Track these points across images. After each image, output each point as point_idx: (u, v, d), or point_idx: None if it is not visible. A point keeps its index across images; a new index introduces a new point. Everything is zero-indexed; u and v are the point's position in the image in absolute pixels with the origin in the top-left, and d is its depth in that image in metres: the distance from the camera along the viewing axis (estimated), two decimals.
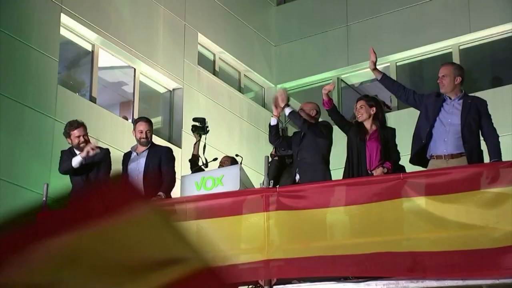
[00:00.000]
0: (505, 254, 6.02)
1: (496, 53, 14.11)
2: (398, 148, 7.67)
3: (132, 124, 12.23)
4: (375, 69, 7.46)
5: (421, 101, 7.25)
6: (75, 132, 8.12)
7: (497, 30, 13.56)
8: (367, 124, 7.63)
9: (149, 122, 8.34)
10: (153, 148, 8.26)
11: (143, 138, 8.20)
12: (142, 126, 8.23)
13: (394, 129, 7.72)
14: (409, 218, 6.49)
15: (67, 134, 8.21)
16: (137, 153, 8.25)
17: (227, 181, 8.11)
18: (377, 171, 7.32)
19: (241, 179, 8.14)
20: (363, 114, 7.62)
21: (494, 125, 7.03)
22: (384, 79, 7.48)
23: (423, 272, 6.28)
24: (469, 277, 6.11)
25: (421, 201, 6.45)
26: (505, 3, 13.35)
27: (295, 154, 8.11)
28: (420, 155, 7.09)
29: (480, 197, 6.23)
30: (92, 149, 8.00)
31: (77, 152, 8.11)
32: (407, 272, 6.36)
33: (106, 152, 8.19)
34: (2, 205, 9.31)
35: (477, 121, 6.97)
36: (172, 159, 8.27)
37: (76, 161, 8.01)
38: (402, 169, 7.56)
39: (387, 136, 7.54)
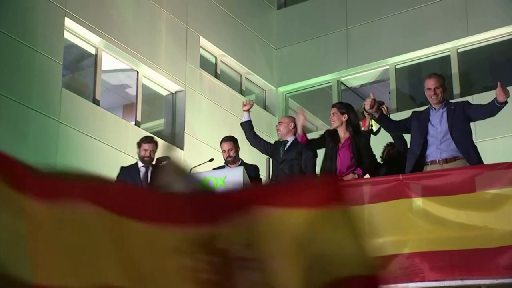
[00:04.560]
0: (503, 254, 6.08)
1: (494, 56, 14.21)
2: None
3: (135, 126, 12.37)
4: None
5: (410, 123, 7.37)
6: (145, 146, 8.62)
7: (495, 33, 13.66)
8: (341, 132, 7.75)
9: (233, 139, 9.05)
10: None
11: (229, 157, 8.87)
12: (225, 146, 8.95)
13: (368, 135, 7.82)
14: (408, 218, 6.51)
15: (138, 145, 8.71)
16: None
17: (229, 182, 8.15)
18: (348, 178, 7.38)
19: (244, 180, 8.23)
20: (335, 121, 7.78)
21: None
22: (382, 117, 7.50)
23: (422, 272, 6.29)
24: (468, 277, 6.16)
25: (420, 202, 6.48)
26: (503, 6, 13.44)
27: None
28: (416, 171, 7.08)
29: (479, 198, 6.29)
30: None
31: (140, 164, 8.62)
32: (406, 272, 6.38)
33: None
34: None
35: (464, 120, 7.10)
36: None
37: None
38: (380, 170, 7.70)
39: (359, 143, 7.61)
